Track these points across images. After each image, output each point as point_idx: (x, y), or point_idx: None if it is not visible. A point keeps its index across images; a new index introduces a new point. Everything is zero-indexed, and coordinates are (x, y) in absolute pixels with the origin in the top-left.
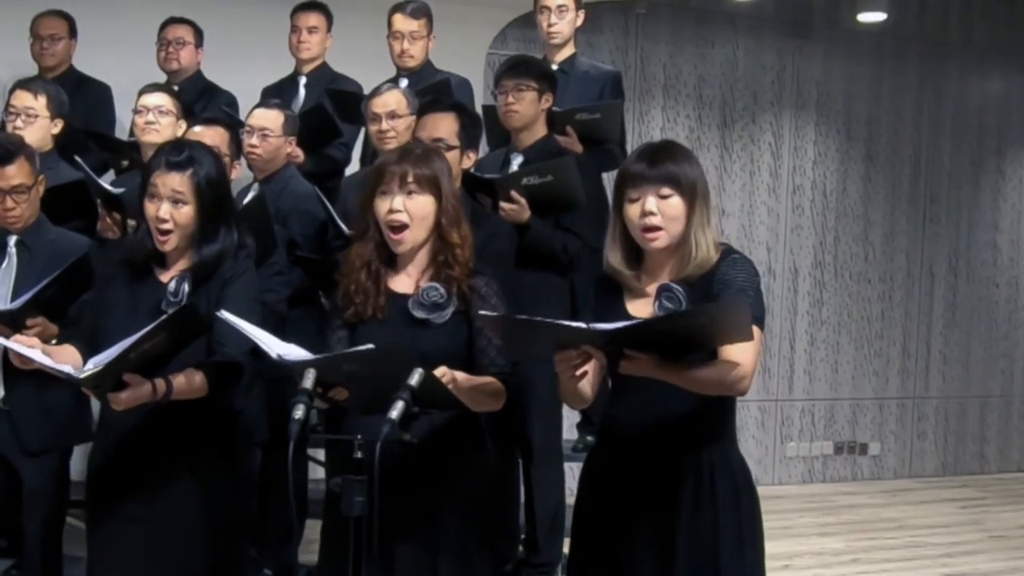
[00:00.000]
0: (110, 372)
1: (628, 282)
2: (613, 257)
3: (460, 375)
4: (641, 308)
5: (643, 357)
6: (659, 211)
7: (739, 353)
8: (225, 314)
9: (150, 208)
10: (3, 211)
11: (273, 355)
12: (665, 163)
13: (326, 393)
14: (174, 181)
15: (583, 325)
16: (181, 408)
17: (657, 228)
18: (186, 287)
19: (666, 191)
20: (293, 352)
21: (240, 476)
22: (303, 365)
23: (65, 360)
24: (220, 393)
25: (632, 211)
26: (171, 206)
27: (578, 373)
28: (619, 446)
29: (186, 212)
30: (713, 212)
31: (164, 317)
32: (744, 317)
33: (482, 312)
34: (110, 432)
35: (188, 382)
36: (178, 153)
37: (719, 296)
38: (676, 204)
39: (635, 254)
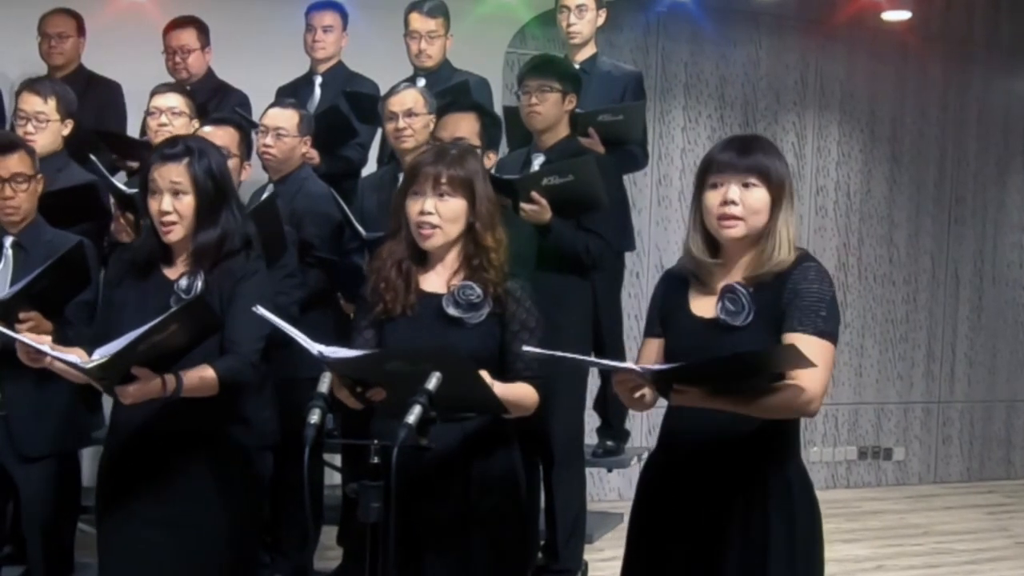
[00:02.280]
0: (118, 363)
1: (704, 274)
2: (695, 246)
3: (498, 385)
4: (705, 307)
5: (693, 391)
6: (741, 201)
7: (805, 377)
8: (261, 310)
9: (152, 204)
10: (1, 200)
11: (314, 351)
12: (755, 154)
13: (364, 393)
14: (171, 172)
15: (630, 366)
16: (193, 410)
17: (736, 217)
18: (199, 284)
19: (752, 180)
20: (334, 350)
21: (254, 478)
22: (346, 362)
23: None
24: (230, 392)
25: (712, 198)
26: (172, 198)
27: (636, 396)
28: (675, 457)
29: (187, 202)
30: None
31: (174, 309)
32: (797, 360)
33: (526, 348)
34: (121, 433)
35: (199, 379)
36: (173, 146)
37: (788, 306)
38: (761, 197)
39: (713, 247)
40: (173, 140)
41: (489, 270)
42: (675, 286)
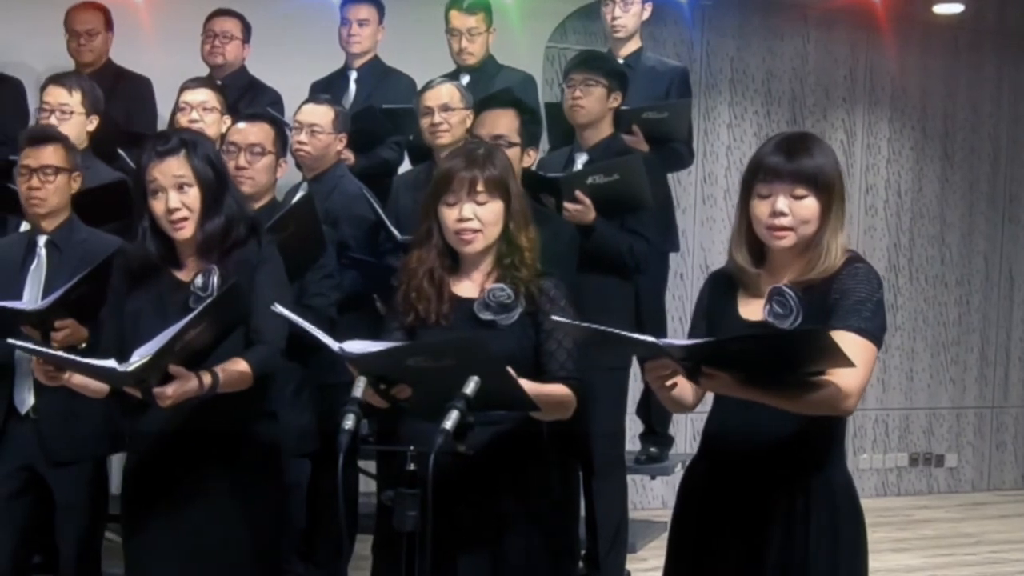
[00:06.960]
0: (157, 363)
1: (749, 280)
2: (739, 255)
3: (526, 383)
4: (753, 310)
5: (722, 376)
6: (791, 212)
7: (844, 376)
8: (279, 308)
9: (157, 205)
10: (27, 191)
11: (335, 348)
12: (802, 158)
13: (389, 390)
14: (172, 167)
15: (654, 340)
16: (220, 410)
17: (786, 228)
18: (215, 280)
19: (801, 191)
20: (355, 344)
21: (283, 482)
22: (367, 357)
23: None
24: (263, 384)
25: (761, 208)
26: (178, 193)
27: (668, 384)
28: (717, 460)
29: (193, 195)
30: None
31: (209, 301)
32: (829, 347)
33: (555, 317)
34: (145, 439)
35: (234, 373)
36: (166, 141)
37: (834, 306)
38: (810, 206)
39: (759, 250)
40: (163, 135)
41: (521, 269)
42: (722, 288)
